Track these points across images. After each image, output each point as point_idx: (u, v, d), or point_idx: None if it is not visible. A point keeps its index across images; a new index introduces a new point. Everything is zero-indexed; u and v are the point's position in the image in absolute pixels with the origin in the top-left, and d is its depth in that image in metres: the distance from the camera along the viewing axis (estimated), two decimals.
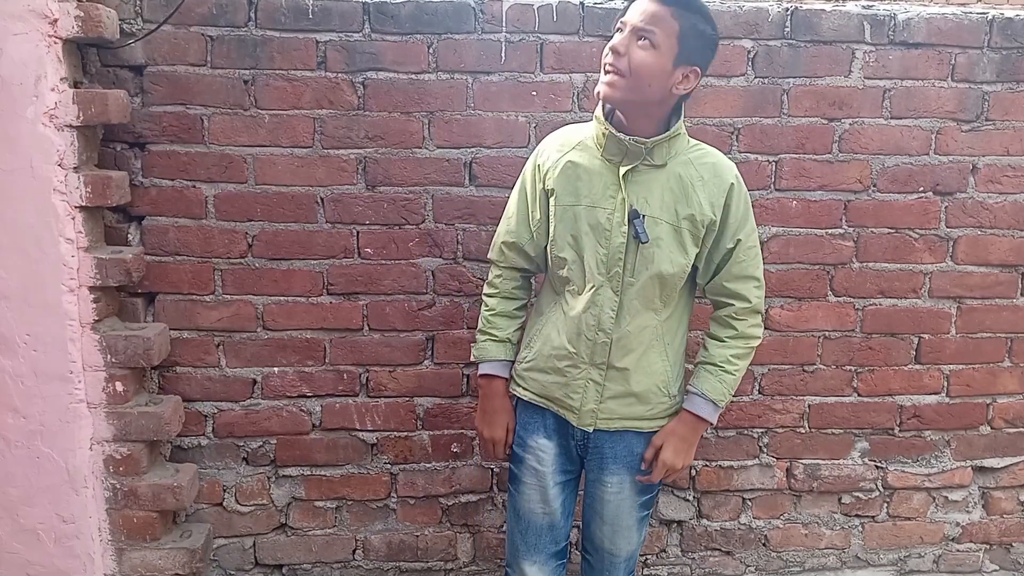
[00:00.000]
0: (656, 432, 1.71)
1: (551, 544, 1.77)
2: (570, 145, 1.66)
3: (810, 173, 2.21)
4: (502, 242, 1.78)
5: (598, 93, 1.55)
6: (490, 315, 1.79)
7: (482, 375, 1.79)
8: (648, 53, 1.48)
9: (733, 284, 1.67)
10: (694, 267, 1.66)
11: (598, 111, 1.62)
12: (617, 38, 1.52)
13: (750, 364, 2.28)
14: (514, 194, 1.78)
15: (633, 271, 1.60)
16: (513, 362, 1.79)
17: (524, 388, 1.76)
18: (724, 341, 1.69)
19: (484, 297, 1.83)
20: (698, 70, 1.53)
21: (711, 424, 1.69)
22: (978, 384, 2.36)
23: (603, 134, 1.59)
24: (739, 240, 1.64)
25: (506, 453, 1.81)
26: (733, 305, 1.68)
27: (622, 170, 1.58)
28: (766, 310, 2.26)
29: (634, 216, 1.57)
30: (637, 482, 1.72)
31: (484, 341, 1.79)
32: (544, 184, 1.67)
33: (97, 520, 2.06)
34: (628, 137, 1.56)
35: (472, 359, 1.84)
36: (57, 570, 2.06)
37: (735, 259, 1.65)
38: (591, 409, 1.67)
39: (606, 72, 1.53)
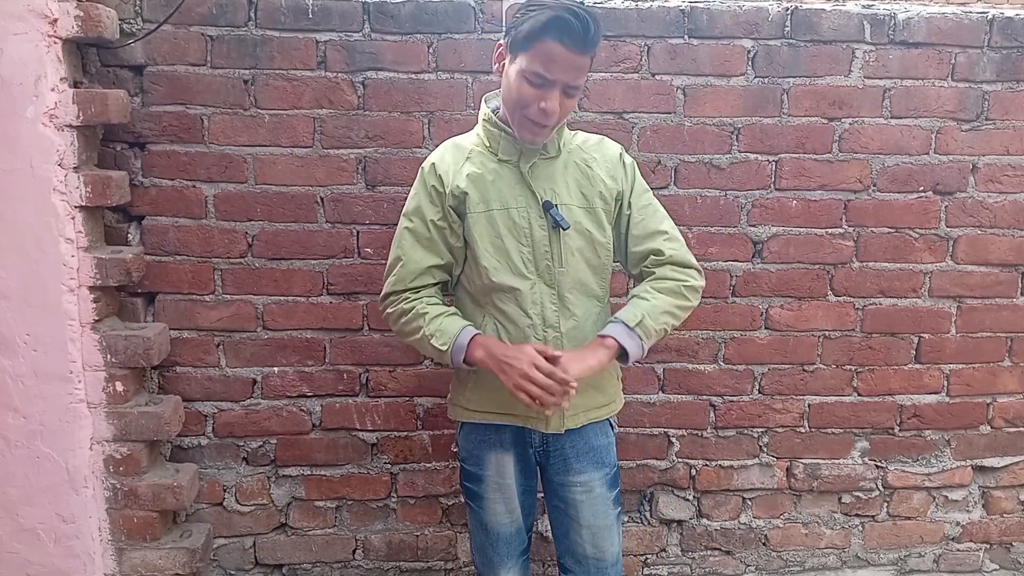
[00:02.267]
0: (611, 418, 1.75)
1: (519, 545, 1.77)
2: (461, 159, 1.61)
3: (810, 173, 2.21)
4: (409, 286, 1.64)
5: (524, 139, 1.54)
6: (434, 309, 1.62)
7: (470, 343, 1.56)
8: (574, 99, 1.54)
9: (640, 245, 1.66)
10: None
11: (489, 115, 1.61)
12: (548, 99, 1.47)
13: (750, 364, 2.29)
14: (406, 237, 1.64)
15: (561, 260, 1.59)
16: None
17: (480, 411, 1.68)
18: (642, 284, 1.67)
19: (413, 312, 1.62)
20: None
21: (617, 348, 1.56)
22: (978, 384, 2.36)
23: (499, 138, 1.59)
24: (631, 203, 1.66)
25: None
26: (647, 260, 1.66)
27: (523, 167, 1.58)
28: (766, 309, 2.27)
29: (548, 207, 1.57)
30: (604, 479, 1.71)
31: (445, 318, 1.60)
32: (452, 200, 1.59)
33: (97, 520, 2.06)
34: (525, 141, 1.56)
35: (440, 347, 1.57)
36: (57, 570, 2.06)
37: (633, 220, 1.66)
38: (558, 412, 1.62)
39: (536, 125, 1.51)
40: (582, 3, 1.47)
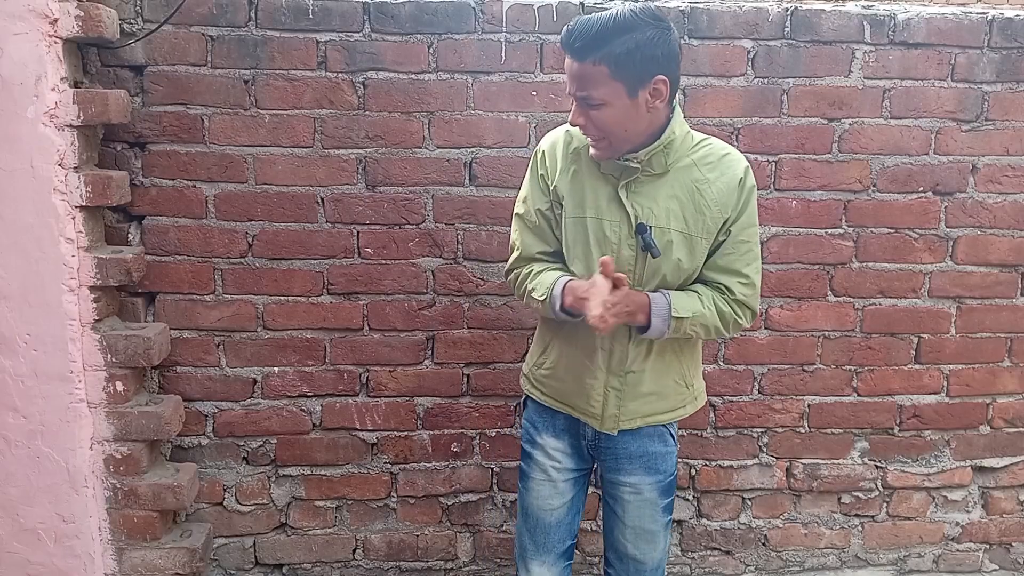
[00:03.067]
0: (672, 423, 1.71)
1: (558, 543, 1.76)
2: (568, 153, 1.60)
3: (810, 173, 2.21)
4: (522, 261, 1.68)
5: (593, 155, 1.54)
6: (539, 266, 1.65)
7: (563, 291, 1.56)
8: (602, 111, 1.44)
9: (716, 275, 1.59)
10: None
11: None
12: (572, 112, 1.49)
13: (750, 364, 2.30)
14: (518, 222, 1.68)
15: (642, 281, 1.57)
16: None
17: (542, 392, 1.73)
18: (710, 287, 1.61)
19: (524, 273, 1.66)
20: (663, 79, 1.43)
21: (648, 321, 1.53)
22: (978, 384, 2.37)
23: None
24: (730, 232, 1.57)
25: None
26: (714, 285, 1.60)
27: (620, 183, 1.54)
28: (765, 309, 2.27)
29: (642, 230, 1.51)
30: (656, 485, 1.69)
31: (546, 272, 1.62)
32: (554, 196, 1.61)
33: (97, 520, 2.06)
34: (620, 158, 1.52)
35: (540, 299, 1.59)
36: (57, 570, 2.06)
37: (723, 251, 1.58)
38: (613, 414, 1.65)
39: (588, 137, 1.53)
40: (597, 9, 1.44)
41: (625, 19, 1.40)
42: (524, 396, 1.81)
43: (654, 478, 1.70)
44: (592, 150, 1.53)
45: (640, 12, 1.41)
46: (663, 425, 1.71)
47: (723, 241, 1.58)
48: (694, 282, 1.62)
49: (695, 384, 1.73)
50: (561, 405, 1.71)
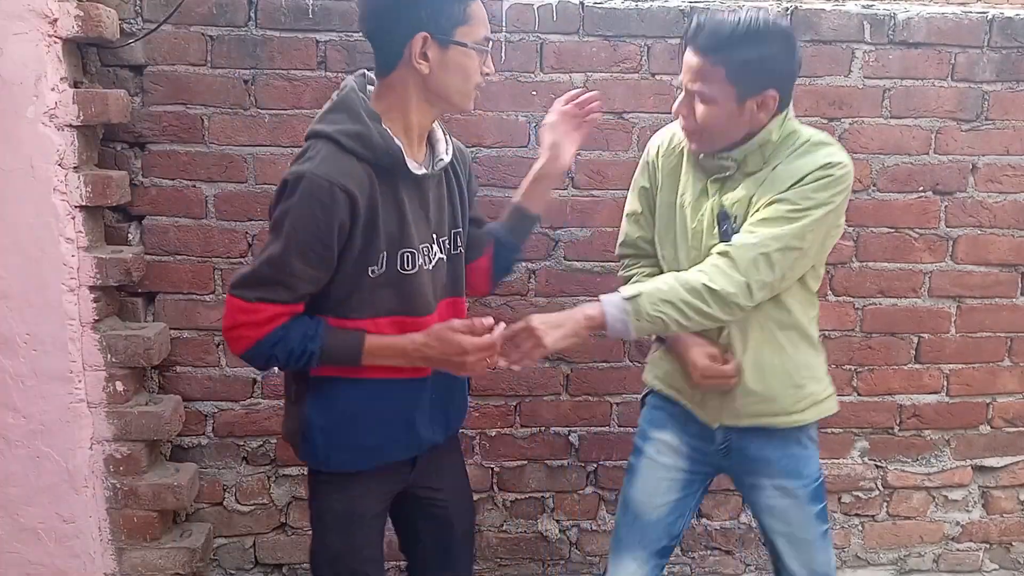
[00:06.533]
0: (794, 428, 1.60)
1: (655, 541, 1.68)
2: (669, 148, 1.64)
3: None
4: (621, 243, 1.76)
5: (690, 148, 1.57)
6: (638, 269, 1.71)
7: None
8: (707, 108, 1.45)
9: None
10: None
11: None
12: (678, 99, 1.51)
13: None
14: (626, 204, 1.75)
15: None
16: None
17: (654, 375, 1.73)
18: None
19: (629, 274, 1.73)
20: (774, 94, 1.42)
21: (600, 315, 1.45)
22: (978, 383, 2.36)
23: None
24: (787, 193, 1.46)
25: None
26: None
27: (711, 176, 1.55)
28: None
29: (723, 219, 1.52)
30: (801, 487, 1.60)
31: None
32: (653, 183, 1.66)
33: (97, 520, 2.06)
34: (715, 156, 1.52)
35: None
36: (57, 570, 2.06)
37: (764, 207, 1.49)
38: (715, 405, 1.60)
39: (684, 132, 1.54)
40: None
41: (757, 30, 1.40)
42: (643, 394, 1.79)
43: (796, 481, 1.60)
44: (688, 142, 1.56)
45: (772, 25, 1.41)
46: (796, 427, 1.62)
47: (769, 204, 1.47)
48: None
49: (807, 386, 1.58)
50: (669, 388, 1.68)
